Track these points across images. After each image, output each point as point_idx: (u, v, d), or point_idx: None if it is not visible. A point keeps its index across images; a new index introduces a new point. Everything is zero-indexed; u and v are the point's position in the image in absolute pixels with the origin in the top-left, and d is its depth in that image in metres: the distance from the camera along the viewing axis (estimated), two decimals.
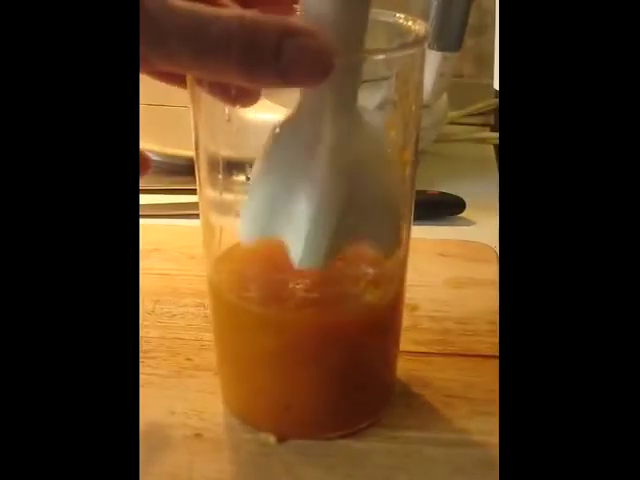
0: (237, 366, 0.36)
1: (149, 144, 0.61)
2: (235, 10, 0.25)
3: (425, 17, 0.57)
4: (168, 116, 0.60)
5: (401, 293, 0.36)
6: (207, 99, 0.31)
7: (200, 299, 0.45)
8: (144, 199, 0.58)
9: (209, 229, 0.34)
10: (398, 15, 0.32)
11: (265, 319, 0.33)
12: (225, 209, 0.34)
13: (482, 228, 0.56)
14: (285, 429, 0.35)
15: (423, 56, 0.31)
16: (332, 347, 0.34)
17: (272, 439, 0.35)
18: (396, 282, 0.35)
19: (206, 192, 0.33)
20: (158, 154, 0.63)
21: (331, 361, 0.34)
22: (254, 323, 0.34)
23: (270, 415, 0.35)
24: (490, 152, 0.70)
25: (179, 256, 0.50)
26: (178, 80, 0.32)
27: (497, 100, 0.74)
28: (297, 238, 0.30)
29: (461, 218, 0.57)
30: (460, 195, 0.58)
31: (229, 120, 0.31)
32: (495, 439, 0.34)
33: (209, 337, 0.42)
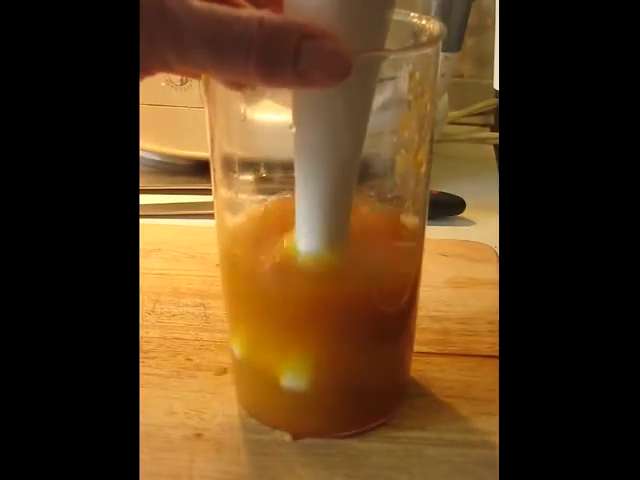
0: (253, 369, 0.36)
1: (149, 144, 0.61)
2: (254, 11, 0.25)
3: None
4: (168, 116, 0.60)
5: (415, 294, 0.35)
6: (222, 99, 0.31)
7: (200, 299, 0.45)
8: (144, 199, 0.58)
9: (223, 228, 0.34)
10: (412, 14, 0.32)
11: (279, 305, 0.33)
12: (239, 208, 0.34)
13: (482, 228, 0.56)
14: (301, 428, 0.35)
15: (438, 55, 0.31)
16: (348, 346, 0.34)
17: (287, 437, 0.35)
18: (411, 283, 0.35)
19: (221, 192, 0.33)
20: (158, 154, 0.63)
21: (347, 361, 0.34)
22: (271, 309, 0.34)
23: (286, 414, 0.35)
24: (490, 152, 0.70)
25: (179, 256, 0.50)
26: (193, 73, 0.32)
27: (497, 100, 0.74)
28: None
29: (461, 218, 0.57)
30: (460, 195, 0.58)
31: (244, 120, 0.31)
32: (495, 439, 0.35)
33: (209, 337, 0.42)
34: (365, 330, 0.34)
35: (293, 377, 0.34)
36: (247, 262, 0.33)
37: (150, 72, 0.26)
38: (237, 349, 0.36)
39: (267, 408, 0.36)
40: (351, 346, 0.34)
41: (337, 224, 0.31)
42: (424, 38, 0.32)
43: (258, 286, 0.33)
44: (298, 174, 0.30)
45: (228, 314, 0.36)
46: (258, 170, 0.33)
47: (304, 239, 0.31)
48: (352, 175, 0.30)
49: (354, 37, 0.26)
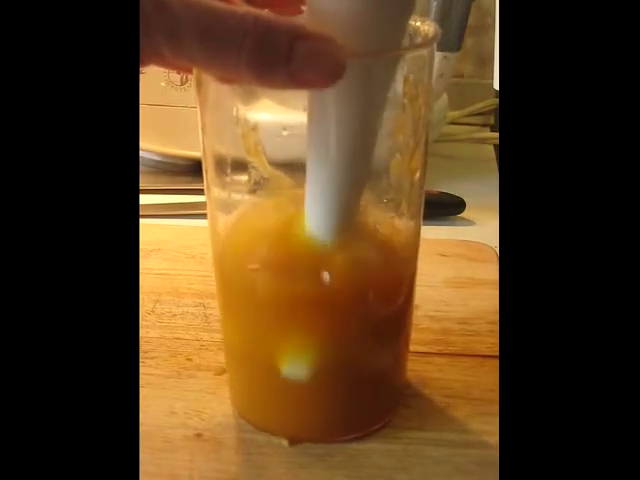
0: (249, 369, 0.36)
1: (149, 144, 0.62)
2: (251, 9, 0.25)
3: (425, 18, 0.57)
4: (168, 116, 0.60)
5: (411, 297, 0.35)
6: (214, 98, 0.31)
7: (200, 299, 0.45)
8: (144, 199, 0.58)
9: (216, 229, 0.34)
10: None
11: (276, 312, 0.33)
12: (232, 209, 0.34)
13: (482, 228, 0.56)
14: (298, 432, 0.35)
15: (433, 57, 0.31)
16: (343, 348, 0.34)
17: (285, 442, 0.35)
18: (407, 286, 0.35)
19: (213, 192, 0.33)
20: (158, 154, 0.63)
21: (343, 362, 0.34)
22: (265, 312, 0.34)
23: (283, 418, 0.35)
24: (490, 152, 0.70)
25: (179, 256, 0.50)
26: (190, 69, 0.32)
27: (497, 100, 0.74)
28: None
29: (461, 218, 0.57)
30: (460, 195, 0.58)
31: (237, 123, 0.31)
32: (495, 439, 0.35)
33: (209, 337, 0.42)
34: (362, 332, 0.34)
35: (293, 364, 0.34)
36: (240, 261, 0.33)
37: (143, 63, 0.26)
38: (233, 342, 0.36)
39: (263, 412, 0.36)
40: (348, 348, 0.34)
41: (347, 207, 0.31)
42: (419, 39, 0.31)
43: (251, 283, 0.33)
44: (309, 159, 0.30)
45: (223, 310, 0.36)
46: (251, 170, 0.33)
47: (313, 222, 0.31)
48: (364, 164, 0.30)
49: (373, 40, 0.27)
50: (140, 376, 0.38)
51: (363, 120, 0.29)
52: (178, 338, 0.42)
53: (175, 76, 0.58)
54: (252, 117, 0.31)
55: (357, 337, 0.34)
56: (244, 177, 0.32)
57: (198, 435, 0.35)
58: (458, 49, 0.61)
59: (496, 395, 0.37)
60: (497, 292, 0.44)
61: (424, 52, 0.31)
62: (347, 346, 0.34)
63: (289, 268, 0.32)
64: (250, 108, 0.31)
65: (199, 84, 0.31)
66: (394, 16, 0.28)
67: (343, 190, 0.30)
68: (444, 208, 0.57)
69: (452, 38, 0.59)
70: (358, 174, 0.30)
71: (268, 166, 0.32)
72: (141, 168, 0.63)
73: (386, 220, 0.34)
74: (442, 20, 0.58)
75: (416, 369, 0.39)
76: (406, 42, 0.32)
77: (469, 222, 0.57)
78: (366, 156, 0.30)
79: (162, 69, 0.55)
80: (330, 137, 0.29)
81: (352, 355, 0.34)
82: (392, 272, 0.34)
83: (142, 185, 0.57)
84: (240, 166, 0.32)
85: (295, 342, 0.34)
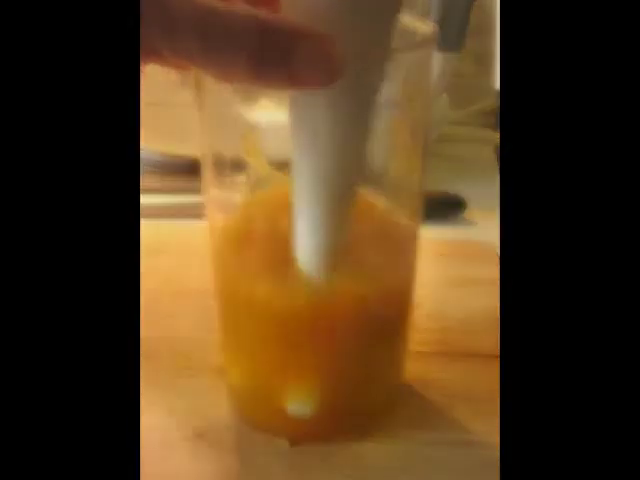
0: (250, 370, 0.36)
1: (149, 144, 0.61)
2: (251, 8, 0.25)
3: (426, 17, 0.57)
4: (168, 116, 0.60)
5: (411, 298, 0.35)
6: (213, 99, 0.31)
7: (201, 299, 0.45)
8: (144, 199, 0.57)
9: (214, 229, 0.34)
10: (406, 16, 0.32)
11: (275, 312, 0.33)
12: (230, 209, 0.34)
13: (483, 228, 0.56)
14: (299, 432, 0.35)
15: (431, 57, 0.31)
16: (340, 349, 0.34)
17: (285, 442, 0.35)
18: (406, 287, 0.35)
19: (212, 192, 0.33)
20: (159, 154, 0.63)
21: (340, 362, 0.34)
22: (265, 320, 0.34)
23: (283, 419, 0.36)
24: (490, 152, 0.70)
25: (179, 256, 0.50)
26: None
27: (497, 100, 0.74)
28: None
29: (462, 218, 0.57)
30: (461, 195, 0.58)
31: (236, 123, 0.31)
32: (495, 439, 0.34)
33: (209, 337, 0.42)
34: (363, 337, 0.34)
35: (298, 404, 0.34)
36: (237, 267, 0.33)
37: (142, 62, 0.25)
38: (234, 376, 0.36)
39: (263, 412, 0.36)
40: (351, 358, 0.34)
41: (336, 242, 0.30)
42: (416, 40, 0.31)
43: (253, 306, 0.33)
44: (297, 191, 0.29)
45: (222, 328, 0.37)
46: (249, 171, 0.32)
47: (303, 259, 0.31)
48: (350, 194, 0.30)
49: (358, 40, 0.26)
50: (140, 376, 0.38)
51: (353, 124, 0.28)
52: (178, 338, 0.42)
53: (176, 76, 0.58)
54: (251, 117, 0.31)
55: (360, 344, 0.34)
56: (243, 177, 0.32)
57: (198, 435, 0.35)
58: (459, 49, 0.61)
59: (496, 395, 0.36)
60: (497, 292, 0.44)
61: (422, 52, 0.30)
62: (351, 357, 0.34)
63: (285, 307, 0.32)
64: (249, 108, 0.31)
65: (198, 84, 0.31)
66: (377, 17, 0.27)
67: (332, 218, 0.30)
68: (445, 208, 0.57)
69: (453, 38, 0.59)
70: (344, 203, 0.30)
71: (267, 166, 0.32)
72: (142, 168, 0.63)
73: (385, 221, 0.34)
74: (443, 20, 0.58)
75: (416, 369, 0.39)
76: (404, 42, 0.32)
77: (470, 222, 0.57)
78: (357, 166, 0.29)
79: (162, 68, 0.55)
80: (317, 144, 0.28)
81: (356, 364, 0.34)
82: (391, 274, 0.34)
83: (143, 185, 0.57)
84: (239, 166, 0.32)
85: (296, 383, 0.34)
